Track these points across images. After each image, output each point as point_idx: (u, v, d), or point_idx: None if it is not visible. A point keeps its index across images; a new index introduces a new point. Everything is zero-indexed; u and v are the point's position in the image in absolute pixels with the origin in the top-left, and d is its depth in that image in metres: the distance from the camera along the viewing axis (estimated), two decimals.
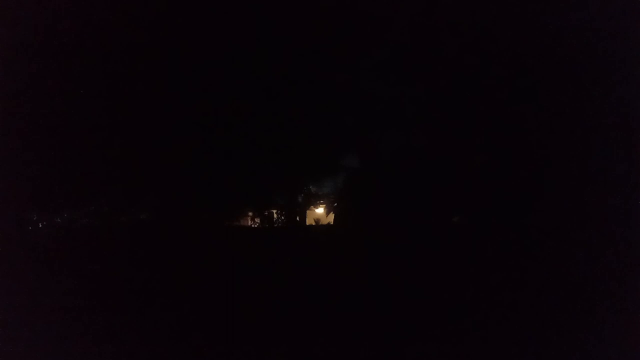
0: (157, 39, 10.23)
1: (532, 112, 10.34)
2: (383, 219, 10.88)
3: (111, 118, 10.35)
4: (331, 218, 11.59)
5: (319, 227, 11.61)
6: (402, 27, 10.40)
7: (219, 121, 10.58)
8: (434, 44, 10.46)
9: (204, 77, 10.43)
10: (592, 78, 10.02)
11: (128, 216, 11.06)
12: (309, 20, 10.29)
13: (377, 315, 8.20)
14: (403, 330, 7.82)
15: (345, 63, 10.58)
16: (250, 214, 11.50)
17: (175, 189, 10.66)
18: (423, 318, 8.15)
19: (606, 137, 10.02)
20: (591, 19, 9.68)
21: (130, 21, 9.88)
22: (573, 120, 10.19)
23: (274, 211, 11.32)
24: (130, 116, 10.41)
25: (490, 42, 10.21)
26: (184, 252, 9.70)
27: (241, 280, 9.01)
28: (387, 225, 10.79)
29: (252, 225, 11.57)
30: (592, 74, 9.98)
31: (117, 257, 9.45)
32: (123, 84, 10.30)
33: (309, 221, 11.63)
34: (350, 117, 10.86)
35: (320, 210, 11.66)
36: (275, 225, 11.27)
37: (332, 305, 8.38)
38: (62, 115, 10.30)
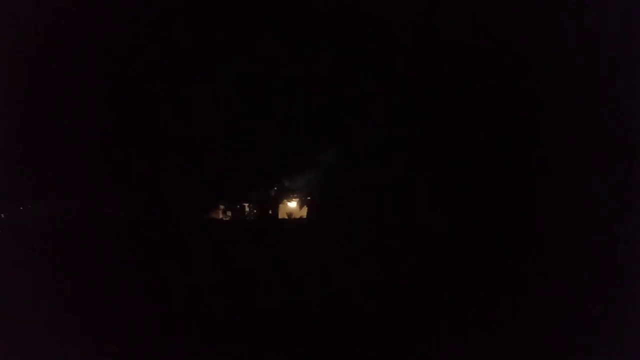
0: (137, 36, 10.54)
1: (523, 109, 10.02)
2: (355, 213, 10.58)
3: (95, 114, 10.54)
4: (304, 212, 11.38)
5: (291, 220, 11.32)
6: (380, 21, 10.42)
7: (193, 116, 10.62)
8: (412, 37, 10.41)
9: (178, 74, 10.52)
10: (592, 78, 9.72)
11: (103, 212, 11.06)
12: (283, 14, 10.45)
13: (351, 307, 8.10)
14: (378, 322, 7.77)
15: (321, 57, 10.57)
16: (222, 207, 11.31)
17: (147, 184, 10.66)
18: (399, 311, 8.03)
19: (606, 137, 9.62)
20: (591, 19, 9.52)
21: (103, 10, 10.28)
22: (572, 120, 9.82)
23: (246, 205, 11.15)
24: (109, 113, 10.58)
25: (478, 37, 10.09)
26: (157, 248, 9.60)
27: (214, 274, 8.95)
28: (359, 219, 10.49)
29: (224, 219, 11.36)
30: (592, 73, 9.70)
31: (99, 251, 9.42)
32: (103, 82, 10.48)
33: (282, 215, 11.38)
34: (325, 112, 10.72)
35: (293, 204, 11.41)
36: (247, 218, 11.09)
37: (305, 298, 8.32)
38: (50, 111, 10.59)
